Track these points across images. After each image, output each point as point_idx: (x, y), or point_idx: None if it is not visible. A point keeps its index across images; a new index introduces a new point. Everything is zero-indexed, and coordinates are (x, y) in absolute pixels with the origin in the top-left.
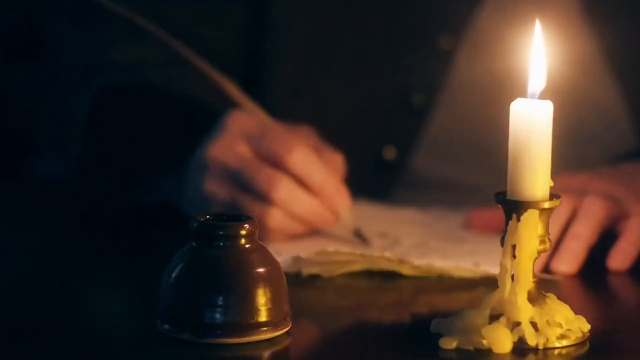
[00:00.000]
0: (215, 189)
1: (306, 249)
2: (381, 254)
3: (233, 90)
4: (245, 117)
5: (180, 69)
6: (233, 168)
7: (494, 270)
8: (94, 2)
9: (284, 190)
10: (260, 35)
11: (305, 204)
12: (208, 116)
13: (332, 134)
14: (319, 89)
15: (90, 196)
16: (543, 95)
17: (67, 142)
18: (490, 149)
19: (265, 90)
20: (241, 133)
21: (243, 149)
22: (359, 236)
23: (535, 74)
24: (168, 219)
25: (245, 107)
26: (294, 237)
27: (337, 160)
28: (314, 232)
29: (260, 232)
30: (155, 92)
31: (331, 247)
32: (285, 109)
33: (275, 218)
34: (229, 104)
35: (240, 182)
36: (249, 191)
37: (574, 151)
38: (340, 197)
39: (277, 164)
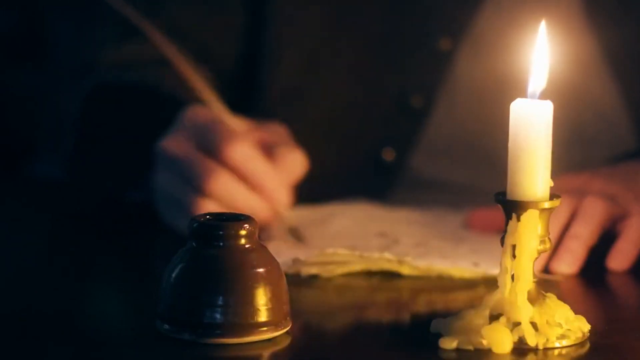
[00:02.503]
0: (161, 181)
1: (305, 251)
2: (380, 255)
3: (204, 88)
4: (200, 112)
5: (170, 68)
6: (176, 160)
7: (494, 270)
8: (91, 2)
9: (220, 183)
10: (258, 35)
11: (241, 197)
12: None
13: (331, 135)
14: (318, 90)
15: (80, 195)
16: (544, 96)
17: (60, 140)
18: (489, 150)
19: (263, 91)
20: (191, 127)
21: (189, 142)
22: (295, 235)
23: (536, 74)
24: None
25: (208, 100)
26: None
27: (295, 159)
28: None
29: None
30: (143, 91)
31: (330, 248)
32: (284, 110)
33: (208, 210)
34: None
35: (183, 175)
36: (189, 183)
37: (575, 153)
38: (280, 194)
39: (216, 157)
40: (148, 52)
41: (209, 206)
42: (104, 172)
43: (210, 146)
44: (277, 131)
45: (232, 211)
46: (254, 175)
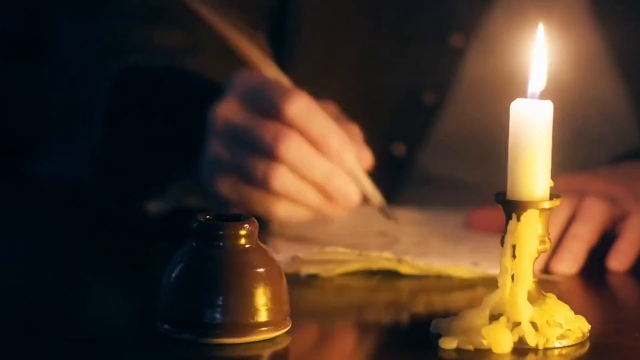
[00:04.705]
0: (219, 150)
1: (304, 249)
2: (379, 254)
3: (250, 49)
4: (249, 75)
5: (201, 54)
6: (235, 126)
7: (493, 270)
8: None
9: (292, 145)
10: (279, 28)
11: (314, 163)
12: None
13: None
14: (331, 83)
15: (101, 193)
16: (547, 96)
17: (81, 133)
18: (499, 149)
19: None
20: (244, 91)
21: (245, 107)
22: (386, 214)
23: (536, 74)
24: (167, 220)
25: (261, 67)
26: (304, 216)
27: (353, 130)
28: (333, 211)
29: (266, 203)
30: (174, 75)
31: (329, 246)
32: None
33: (282, 177)
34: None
35: (244, 141)
36: (253, 150)
37: (580, 153)
38: (347, 151)
39: (277, 117)
40: (176, 39)
41: (282, 172)
42: (135, 172)
43: (268, 103)
44: (329, 108)
45: (305, 178)
46: (317, 129)
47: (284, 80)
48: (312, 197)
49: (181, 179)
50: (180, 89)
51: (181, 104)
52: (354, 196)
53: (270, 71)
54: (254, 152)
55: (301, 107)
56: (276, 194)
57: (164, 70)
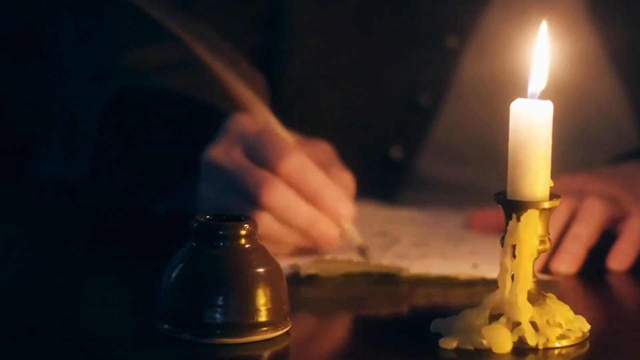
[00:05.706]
0: (209, 192)
1: (303, 257)
2: (379, 262)
3: (245, 92)
4: (246, 120)
5: (195, 72)
6: (227, 171)
7: (493, 272)
8: (105, 3)
9: (275, 194)
10: (275, 28)
11: (298, 210)
12: (218, 123)
13: (340, 133)
14: (327, 87)
15: (98, 200)
16: (546, 96)
17: (78, 144)
18: (496, 150)
19: (275, 87)
20: (238, 137)
21: (237, 153)
22: (363, 254)
23: (536, 73)
24: (168, 220)
25: (255, 111)
26: (295, 251)
27: (346, 179)
28: (314, 248)
29: None
30: (169, 96)
31: (328, 255)
32: (295, 107)
33: (265, 223)
34: (240, 109)
35: (232, 186)
36: (240, 195)
37: (579, 153)
38: (341, 207)
39: (270, 168)
40: (170, 56)
41: (264, 219)
42: (129, 182)
43: (263, 157)
44: (324, 149)
45: (288, 225)
46: (311, 186)
47: (278, 128)
48: (295, 240)
49: (180, 186)
50: (173, 105)
51: (172, 124)
52: (336, 239)
53: (265, 118)
54: (239, 198)
55: (295, 165)
56: (263, 240)
57: (159, 91)
